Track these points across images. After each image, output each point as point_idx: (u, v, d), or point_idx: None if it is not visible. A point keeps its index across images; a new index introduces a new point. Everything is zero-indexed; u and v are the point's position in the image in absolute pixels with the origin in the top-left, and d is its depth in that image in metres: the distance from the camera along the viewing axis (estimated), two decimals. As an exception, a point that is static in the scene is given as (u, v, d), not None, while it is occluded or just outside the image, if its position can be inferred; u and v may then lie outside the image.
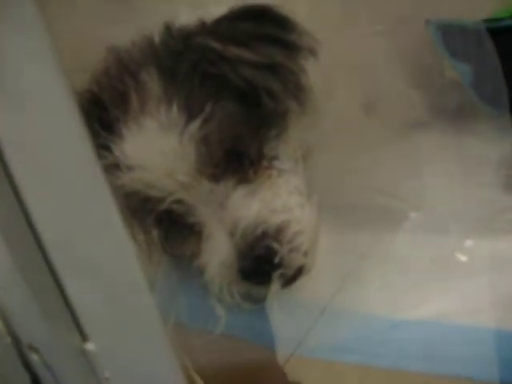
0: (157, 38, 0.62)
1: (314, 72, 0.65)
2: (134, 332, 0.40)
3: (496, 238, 0.60)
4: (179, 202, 0.60)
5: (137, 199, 0.60)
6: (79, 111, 0.34)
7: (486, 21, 0.78)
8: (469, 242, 0.59)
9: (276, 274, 0.58)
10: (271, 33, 0.61)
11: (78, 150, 0.35)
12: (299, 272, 0.59)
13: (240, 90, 0.60)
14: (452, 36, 0.75)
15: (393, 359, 0.53)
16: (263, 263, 0.57)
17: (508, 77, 0.74)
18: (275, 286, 0.58)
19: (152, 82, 0.59)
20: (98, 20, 0.72)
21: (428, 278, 0.57)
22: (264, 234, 0.57)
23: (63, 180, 0.35)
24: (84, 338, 0.40)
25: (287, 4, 0.69)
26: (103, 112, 0.60)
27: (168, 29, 0.62)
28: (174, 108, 0.57)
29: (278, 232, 0.58)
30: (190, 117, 0.57)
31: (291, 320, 0.59)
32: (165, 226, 0.63)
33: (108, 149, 0.59)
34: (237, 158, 0.60)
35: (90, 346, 0.40)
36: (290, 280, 0.59)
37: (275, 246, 0.57)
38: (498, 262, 0.57)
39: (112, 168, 0.58)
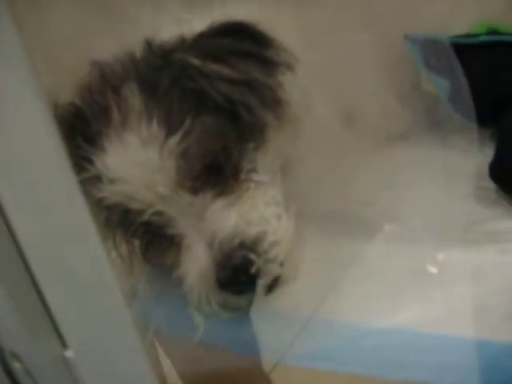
0: (138, 53, 0.63)
1: (292, 85, 0.66)
2: (111, 340, 0.40)
3: (468, 250, 0.61)
4: (159, 213, 0.60)
5: (118, 211, 0.61)
6: (55, 126, 0.35)
7: (463, 36, 0.80)
8: (441, 254, 0.60)
9: (256, 284, 0.59)
10: (249, 49, 0.62)
11: (56, 166, 0.36)
12: (276, 282, 0.60)
13: (219, 104, 0.61)
14: (429, 50, 0.77)
15: (368, 366, 0.54)
16: (240, 273, 0.58)
17: (484, 90, 0.75)
18: (254, 295, 0.59)
19: (133, 96, 0.60)
20: (83, 31, 0.73)
21: (401, 287, 0.58)
22: (241, 245, 0.58)
23: (42, 193, 0.36)
24: (64, 345, 0.40)
25: (267, 18, 0.71)
26: (86, 125, 0.61)
27: (149, 44, 0.63)
28: (155, 122, 0.58)
29: (255, 243, 0.59)
30: (170, 131, 0.58)
31: (273, 329, 0.60)
32: (146, 236, 0.64)
33: (90, 161, 0.60)
34: (215, 171, 0.61)
35: (69, 354, 0.40)
36: (267, 290, 0.60)
37: (252, 256, 0.58)
38: (469, 272, 0.58)
39: (94, 180, 0.59)
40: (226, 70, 0.61)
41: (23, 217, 0.36)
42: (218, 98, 0.61)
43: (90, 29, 0.73)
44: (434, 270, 0.59)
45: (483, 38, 0.78)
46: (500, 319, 0.53)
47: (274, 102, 0.64)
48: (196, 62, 0.60)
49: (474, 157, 0.74)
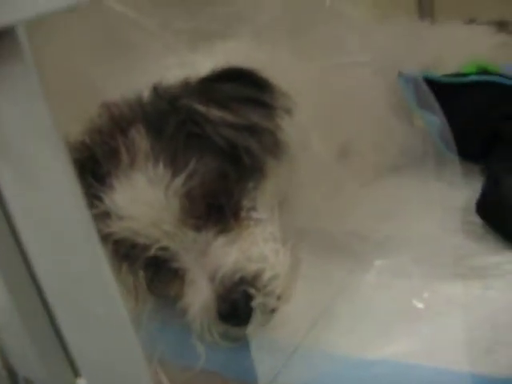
0: (145, 97, 0.67)
1: (290, 126, 0.69)
2: (120, 369, 0.42)
3: (455, 284, 0.64)
4: (164, 249, 0.63)
5: (125, 245, 0.64)
6: (77, 181, 0.38)
7: (454, 75, 0.83)
8: (428, 288, 0.63)
9: (253, 316, 0.62)
10: (249, 95, 0.66)
11: (76, 216, 0.39)
12: (272, 315, 0.63)
13: (221, 148, 0.64)
14: (421, 88, 0.80)
15: None
16: (240, 307, 0.61)
17: (474, 128, 0.79)
18: (252, 326, 0.62)
19: (140, 138, 0.63)
20: (91, 68, 0.76)
21: (389, 320, 0.61)
22: (241, 280, 0.61)
23: (64, 240, 0.38)
24: (76, 373, 0.42)
25: (266, 57, 0.75)
26: (96, 165, 0.64)
27: (156, 89, 0.66)
28: (161, 164, 0.61)
29: (254, 278, 0.62)
30: (175, 172, 0.61)
31: (267, 358, 0.62)
32: (151, 269, 0.66)
33: (100, 199, 0.62)
34: (217, 210, 0.64)
35: (81, 382, 0.42)
36: (264, 322, 0.63)
37: (251, 291, 0.61)
38: (456, 306, 0.61)
39: (103, 216, 0.62)
40: (228, 116, 0.64)
41: (47, 260, 0.38)
42: (221, 142, 0.64)
43: (98, 66, 0.75)
44: (420, 305, 0.62)
45: (473, 78, 0.82)
46: (483, 352, 0.56)
47: (274, 145, 0.67)
48: (200, 108, 0.64)
49: (463, 191, 0.77)
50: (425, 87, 0.79)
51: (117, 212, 0.62)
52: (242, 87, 0.66)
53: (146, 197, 0.62)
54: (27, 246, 0.38)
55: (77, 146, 0.66)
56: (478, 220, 0.73)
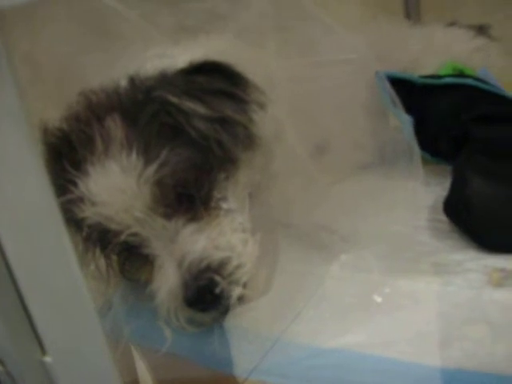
0: (122, 86, 0.68)
1: (264, 120, 0.71)
2: (83, 347, 0.44)
3: (415, 279, 0.66)
4: (135, 235, 0.65)
5: (98, 230, 0.66)
6: (43, 164, 0.39)
7: (430, 76, 0.85)
8: (388, 283, 0.65)
9: (220, 303, 0.64)
10: (223, 88, 0.67)
11: (42, 197, 0.40)
12: (238, 301, 0.65)
13: (193, 139, 0.66)
14: (397, 88, 0.82)
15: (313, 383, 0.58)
16: (205, 293, 0.63)
17: (446, 129, 0.81)
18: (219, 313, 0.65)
19: (115, 127, 0.64)
20: (73, 55, 0.78)
21: (350, 312, 0.63)
22: (207, 268, 0.63)
23: (30, 218, 0.40)
24: (43, 351, 0.44)
25: (247, 52, 0.76)
26: (72, 151, 0.65)
27: (133, 80, 0.67)
28: (134, 153, 0.63)
29: (220, 266, 0.64)
30: (148, 161, 0.63)
31: (235, 345, 0.64)
32: (122, 254, 0.68)
33: (74, 184, 0.64)
34: (188, 199, 0.66)
35: (48, 359, 0.44)
36: (229, 308, 0.64)
37: (217, 278, 0.63)
38: (415, 300, 0.63)
39: (77, 201, 0.64)
40: (201, 108, 0.65)
41: (15, 241, 0.40)
42: (193, 133, 0.65)
43: (82, 54, 0.77)
44: (380, 299, 0.63)
45: (448, 80, 0.84)
46: (436, 345, 0.58)
47: (246, 138, 0.69)
48: (174, 99, 0.65)
49: (433, 190, 0.80)
50: (401, 86, 0.80)
51: (90, 198, 0.64)
52: (217, 80, 0.67)
53: (118, 184, 0.63)
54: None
55: (54, 131, 0.68)
56: (445, 218, 0.75)
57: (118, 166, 0.63)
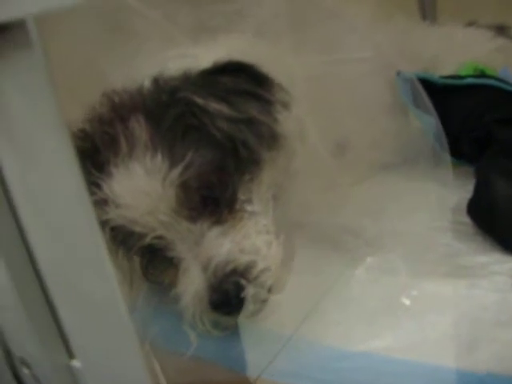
0: (146, 87, 0.67)
1: (288, 121, 0.70)
2: (114, 352, 0.43)
3: (440, 282, 0.66)
4: (160, 238, 0.65)
5: (122, 232, 0.65)
6: (79, 167, 0.39)
7: (451, 77, 0.85)
8: (415, 285, 0.65)
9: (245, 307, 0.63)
10: (248, 88, 0.67)
11: (77, 200, 0.40)
12: (263, 305, 0.64)
13: (218, 140, 0.65)
14: (418, 89, 0.81)
15: None
16: (231, 297, 0.62)
17: (468, 130, 0.80)
18: (242, 316, 0.64)
19: (140, 129, 0.64)
20: (93, 57, 0.76)
21: (377, 315, 0.63)
22: (233, 272, 0.63)
23: (63, 221, 0.40)
24: (71, 355, 0.44)
25: (268, 52, 0.76)
26: (95, 152, 0.65)
27: (156, 81, 0.67)
28: (159, 155, 0.63)
29: (246, 270, 0.63)
30: (172, 164, 0.63)
31: (258, 346, 0.65)
32: (146, 257, 0.68)
33: (98, 186, 0.64)
34: (212, 201, 0.66)
35: (75, 363, 0.44)
36: (255, 312, 0.64)
37: (242, 282, 0.63)
38: (440, 303, 0.63)
39: (101, 203, 0.64)
40: (226, 109, 0.65)
41: (46, 242, 0.40)
42: (218, 134, 0.65)
43: (100, 55, 0.76)
44: (407, 301, 0.63)
45: (469, 81, 0.83)
46: (465, 349, 0.57)
47: (271, 139, 0.69)
48: (199, 100, 0.65)
49: (455, 192, 0.79)
50: (420, 88, 0.80)
51: (114, 200, 0.63)
52: (241, 81, 0.67)
53: (143, 186, 0.63)
54: (27, 228, 0.39)
55: (78, 133, 0.67)
56: (468, 220, 0.74)
57: (143, 168, 0.63)
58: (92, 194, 0.63)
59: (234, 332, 0.65)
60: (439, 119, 0.79)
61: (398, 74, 0.85)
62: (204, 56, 0.72)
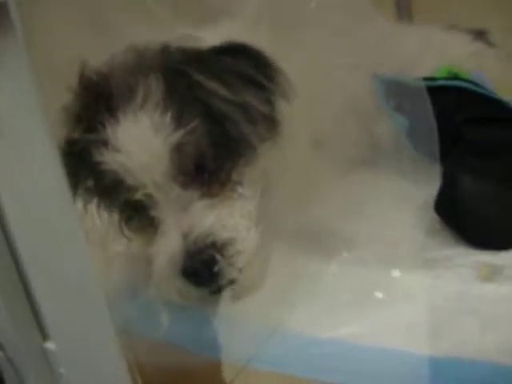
0: (170, 50, 0.69)
1: (287, 111, 0.72)
2: (88, 335, 0.44)
3: (408, 274, 0.68)
4: (148, 195, 0.66)
5: (112, 179, 0.66)
6: (58, 157, 0.40)
7: (425, 79, 0.87)
8: (384, 278, 0.67)
9: (214, 281, 0.65)
10: (248, 73, 0.68)
11: (55, 187, 0.41)
12: (229, 284, 0.66)
13: (218, 118, 0.67)
14: (393, 90, 0.84)
15: (311, 371, 0.60)
16: (204, 268, 0.64)
17: (440, 130, 0.82)
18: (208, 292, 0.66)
19: (157, 86, 0.65)
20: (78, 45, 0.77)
21: (345, 304, 0.65)
22: (212, 245, 0.64)
23: (40, 204, 0.40)
24: (45, 337, 0.44)
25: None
26: (109, 94, 0.66)
27: (179, 48, 0.69)
28: (168, 114, 0.64)
29: (224, 246, 0.65)
30: (177, 126, 0.64)
31: (232, 334, 0.65)
32: (128, 211, 0.69)
33: (103, 125, 0.65)
34: (206, 173, 0.67)
35: (49, 345, 0.44)
36: (219, 288, 0.66)
37: (218, 257, 0.64)
38: (407, 294, 0.65)
39: (100, 144, 0.65)
40: (221, 89, 0.67)
41: (23, 225, 0.40)
42: (215, 112, 0.67)
43: (84, 43, 0.77)
44: (375, 292, 0.65)
45: (441, 83, 0.86)
46: (427, 335, 0.59)
47: (266, 127, 0.70)
48: (199, 77, 0.66)
49: (426, 189, 0.80)
50: (397, 88, 0.82)
51: (115, 144, 0.64)
52: (242, 64, 0.69)
53: (146, 138, 0.64)
54: (3, 211, 0.40)
55: (93, 72, 0.68)
56: (435, 216, 0.76)
57: (150, 121, 0.64)
58: (95, 131, 0.65)
59: (205, 317, 0.66)
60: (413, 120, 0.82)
61: (374, 75, 0.87)
62: (210, 38, 0.73)
